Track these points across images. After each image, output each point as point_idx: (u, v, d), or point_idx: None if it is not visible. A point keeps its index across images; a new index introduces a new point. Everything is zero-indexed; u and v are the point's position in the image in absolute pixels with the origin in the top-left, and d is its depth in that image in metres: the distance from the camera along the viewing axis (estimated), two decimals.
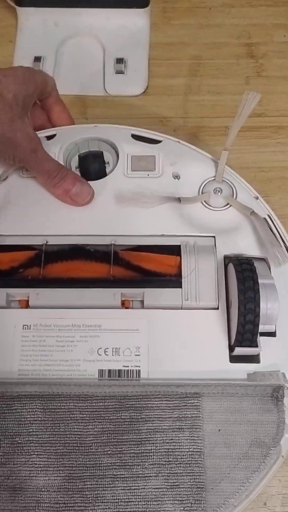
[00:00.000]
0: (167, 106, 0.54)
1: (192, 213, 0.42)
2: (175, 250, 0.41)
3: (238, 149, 0.52)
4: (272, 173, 0.51)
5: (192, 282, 0.40)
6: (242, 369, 0.38)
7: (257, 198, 0.43)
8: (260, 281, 0.37)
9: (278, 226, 0.42)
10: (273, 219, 0.42)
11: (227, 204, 0.43)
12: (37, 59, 0.55)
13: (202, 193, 0.43)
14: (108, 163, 0.44)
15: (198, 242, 0.41)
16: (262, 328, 0.37)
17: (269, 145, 0.52)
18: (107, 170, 0.44)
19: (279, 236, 0.41)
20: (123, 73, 0.55)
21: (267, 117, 0.53)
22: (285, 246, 0.41)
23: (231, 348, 0.38)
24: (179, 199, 0.42)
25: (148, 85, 0.55)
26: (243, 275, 0.37)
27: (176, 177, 0.43)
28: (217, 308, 0.39)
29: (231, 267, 0.39)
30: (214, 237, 0.42)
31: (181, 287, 0.40)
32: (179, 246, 0.41)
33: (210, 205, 0.43)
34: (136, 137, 0.45)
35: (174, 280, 0.40)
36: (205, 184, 0.43)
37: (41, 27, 0.57)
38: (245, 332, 0.36)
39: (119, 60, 0.55)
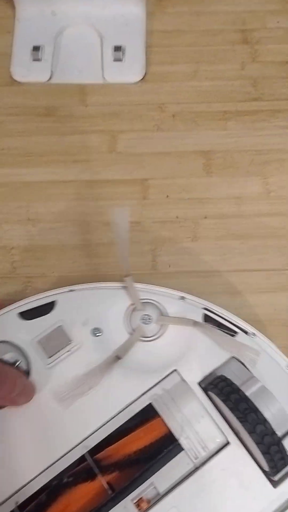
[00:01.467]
0: (165, 93, 0.55)
1: (137, 358, 0.38)
2: (150, 412, 0.36)
3: (235, 133, 0.53)
4: (270, 156, 0.52)
5: (189, 434, 0.35)
6: None
7: (183, 298, 0.39)
8: (248, 392, 0.34)
9: (219, 314, 0.38)
10: (211, 310, 0.38)
11: (163, 325, 0.39)
12: (36, 48, 0.56)
13: (132, 329, 0.38)
14: (17, 360, 0.37)
15: (165, 387, 0.37)
16: (284, 431, 0.34)
17: (266, 128, 0.53)
18: (23, 366, 0.38)
19: (226, 322, 0.38)
20: (121, 60, 0.56)
21: (263, 101, 0.54)
22: (239, 329, 0.38)
23: (267, 474, 0.35)
24: (117, 357, 0.37)
25: (146, 72, 0.56)
26: (238, 407, 0.33)
27: (97, 332, 0.38)
28: (229, 443, 0.36)
29: (214, 397, 0.36)
30: (175, 370, 0.37)
31: (183, 449, 0.35)
32: (150, 404, 0.36)
33: (148, 337, 0.38)
34: (25, 314, 0.39)
35: (171, 446, 0.35)
36: (130, 317, 0.39)
37: (39, 17, 0.57)
38: (274, 456, 0.33)
39: (117, 48, 0.56)
